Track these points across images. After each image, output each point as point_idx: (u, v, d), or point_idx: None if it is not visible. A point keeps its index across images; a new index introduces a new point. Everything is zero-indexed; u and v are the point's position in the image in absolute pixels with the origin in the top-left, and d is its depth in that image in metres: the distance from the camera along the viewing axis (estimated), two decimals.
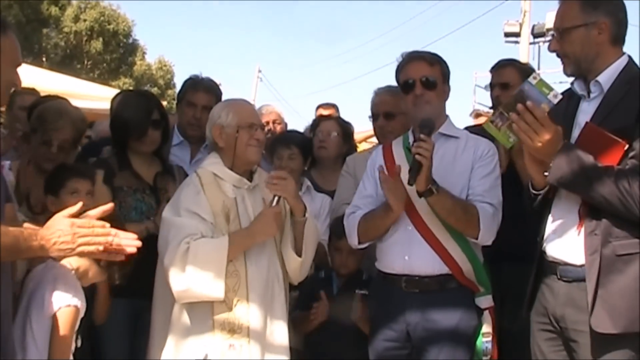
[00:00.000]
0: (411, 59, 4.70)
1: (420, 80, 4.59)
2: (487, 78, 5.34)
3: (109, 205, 3.44)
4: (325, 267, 5.33)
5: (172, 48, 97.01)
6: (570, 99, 4.06)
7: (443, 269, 4.46)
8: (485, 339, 4.54)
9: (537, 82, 3.73)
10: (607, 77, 3.87)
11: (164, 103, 15.11)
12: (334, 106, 8.23)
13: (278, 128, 7.54)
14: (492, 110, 5.78)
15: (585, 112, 3.93)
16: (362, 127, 8.26)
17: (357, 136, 7.56)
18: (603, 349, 3.68)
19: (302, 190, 5.72)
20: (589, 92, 3.96)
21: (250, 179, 4.64)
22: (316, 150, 6.16)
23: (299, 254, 4.58)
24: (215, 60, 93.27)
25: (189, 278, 4.21)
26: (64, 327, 3.96)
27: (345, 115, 8.12)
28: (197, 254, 4.23)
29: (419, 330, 4.48)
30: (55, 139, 5.03)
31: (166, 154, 5.48)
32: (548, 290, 3.97)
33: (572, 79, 4.07)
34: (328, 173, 6.19)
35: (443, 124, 4.69)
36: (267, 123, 7.20)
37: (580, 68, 3.95)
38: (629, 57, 3.94)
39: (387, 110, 5.52)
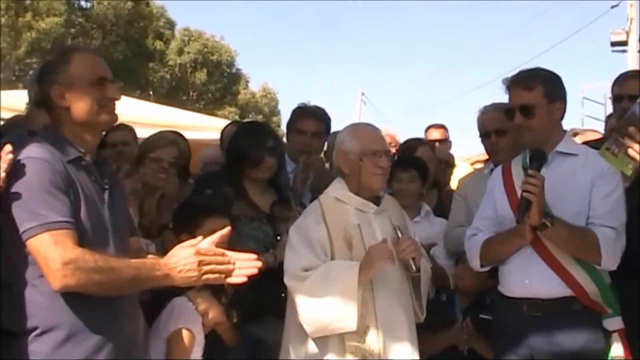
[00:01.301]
0: (510, 85, 4.58)
1: (518, 109, 4.47)
2: (594, 90, 5.14)
3: (227, 230, 3.49)
4: (447, 291, 5.26)
5: (275, 75, 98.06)
6: None
7: (565, 291, 4.32)
8: None
9: None
10: None
11: None
12: (443, 127, 8.15)
13: (393, 150, 7.45)
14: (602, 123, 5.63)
15: None
16: (464, 145, 8.19)
17: (467, 160, 7.48)
18: None
19: (422, 215, 5.71)
20: None
21: (377, 202, 4.61)
22: None
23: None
24: (318, 86, 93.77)
25: (316, 308, 4.26)
26: (176, 350, 4.06)
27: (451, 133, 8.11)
28: (327, 278, 4.26)
29: (543, 354, 4.35)
30: (164, 155, 5.17)
31: (283, 182, 5.52)
32: None
33: None
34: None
35: (560, 142, 4.54)
36: None
37: None
38: None
39: (498, 127, 5.37)
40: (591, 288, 4.32)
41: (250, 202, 5.13)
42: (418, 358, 4.48)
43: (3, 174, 3.17)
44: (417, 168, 5.74)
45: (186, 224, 4.41)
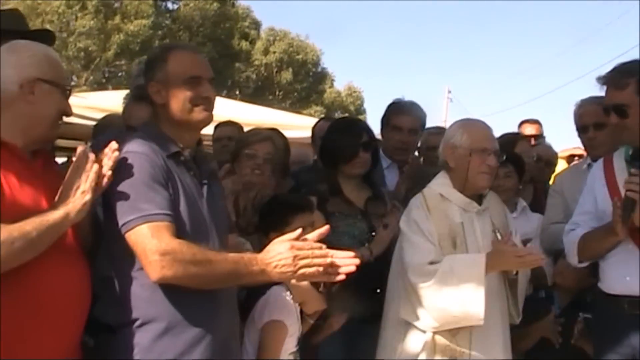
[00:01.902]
0: (603, 84, 4.47)
1: (612, 109, 4.37)
2: None
3: (325, 228, 3.41)
4: (545, 288, 5.16)
5: (360, 74, 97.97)
6: None
7: None
8: None
9: None
10: None
11: None
12: (537, 122, 7.98)
13: None
14: None
15: None
16: (558, 143, 7.99)
17: (561, 154, 7.35)
18: None
19: (518, 211, 5.62)
20: None
21: (479, 202, 4.56)
22: None
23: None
24: (404, 84, 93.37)
25: (445, 303, 4.24)
26: (268, 342, 4.06)
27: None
28: (452, 272, 4.24)
29: None
30: (259, 151, 5.12)
31: (377, 178, 5.47)
32: None
33: None
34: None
35: None
36: None
37: None
38: None
39: (596, 120, 5.24)
40: None
41: (345, 198, 5.08)
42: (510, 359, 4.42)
43: (109, 172, 3.22)
44: (513, 163, 5.62)
45: (274, 222, 4.36)
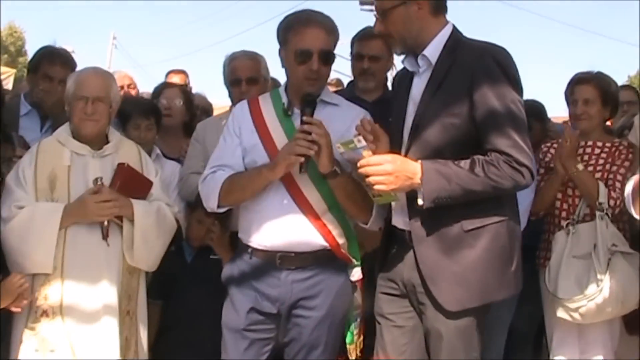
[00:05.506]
0: (310, 23, 4.16)
1: (318, 54, 4.12)
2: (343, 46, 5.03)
3: None
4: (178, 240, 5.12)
5: (23, 14, 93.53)
6: (406, 76, 4.03)
7: (321, 244, 4.16)
8: (356, 312, 4.41)
9: (344, 147, 3.75)
10: (432, 49, 3.82)
11: (14, 71, 14.73)
12: (183, 72, 8.18)
13: (133, 92, 7.42)
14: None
15: (417, 86, 3.88)
16: (214, 95, 8.15)
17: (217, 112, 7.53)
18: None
19: (152, 158, 5.48)
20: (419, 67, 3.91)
21: (100, 146, 4.59)
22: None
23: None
24: (68, 26, 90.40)
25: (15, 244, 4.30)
26: None
27: (199, 83, 8.07)
28: (32, 217, 4.31)
29: (292, 307, 4.22)
30: None
31: (8, 121, 5.21)
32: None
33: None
34: (172, 141, 6.07)
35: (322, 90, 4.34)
36: (122, 87, 7.03)
37: (407, 45, 3.90)
38: (454, 26, 3.88)
39: (249, 75, 5.32)
40: (342, 240, 4.26)
41: None
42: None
43: None
44: (154, 115, 5.68)
45: None
